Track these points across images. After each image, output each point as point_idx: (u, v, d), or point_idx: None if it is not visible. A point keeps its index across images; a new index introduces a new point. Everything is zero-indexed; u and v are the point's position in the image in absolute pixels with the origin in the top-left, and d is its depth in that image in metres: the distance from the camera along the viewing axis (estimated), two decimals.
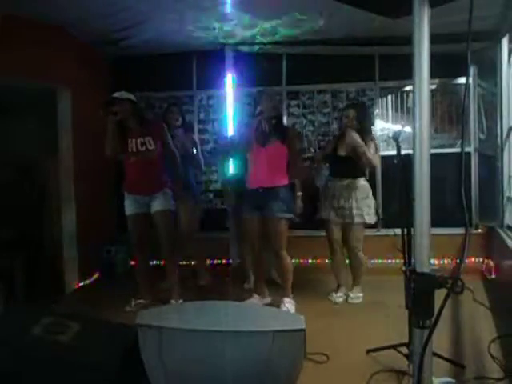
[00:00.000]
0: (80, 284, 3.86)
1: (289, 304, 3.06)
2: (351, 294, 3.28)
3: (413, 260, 1.39)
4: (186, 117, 3.90)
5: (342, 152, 3.25)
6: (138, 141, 3.07)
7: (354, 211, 3.16)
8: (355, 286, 3.32)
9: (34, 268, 3.77)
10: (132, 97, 3.10)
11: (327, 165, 3.39)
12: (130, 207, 3.14)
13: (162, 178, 3.14)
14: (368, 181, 3.29)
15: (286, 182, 3.03)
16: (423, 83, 1.02)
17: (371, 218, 3.21)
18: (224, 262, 4.26)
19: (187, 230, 3.69)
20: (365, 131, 3.20)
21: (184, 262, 4.04)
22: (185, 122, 3.77)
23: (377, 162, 3.21)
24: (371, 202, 3.23)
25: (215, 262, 4.27)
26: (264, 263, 3.25)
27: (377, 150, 3.21)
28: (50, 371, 1.77)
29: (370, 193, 3.25)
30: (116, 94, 3.05)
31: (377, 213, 3.29)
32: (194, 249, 3.78)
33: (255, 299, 3.17)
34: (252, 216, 3.03)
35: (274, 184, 2.96)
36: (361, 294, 3.29)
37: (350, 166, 3.19)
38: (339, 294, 3.37)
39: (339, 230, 3.29)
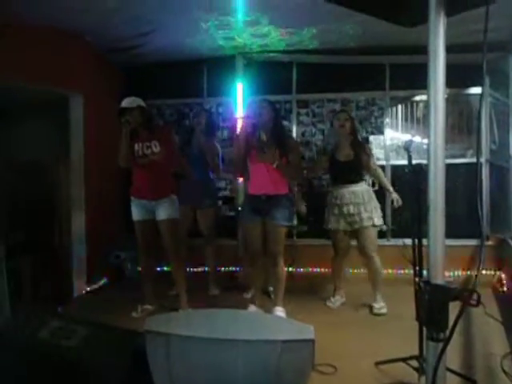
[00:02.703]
0: (88, 288, 3.87)
1: (280, 313, 3.02)
2: (376, 305, 3.22)
3: (425, 271, 1.36)
4: (213, 123, 3.86)
5: (341, 158, 3.29)
6: (145, 145, 3.09)
7: (363, 215, 3.18)
8: (377, 295, 3.26)
9: (42, 271, 3.79)
10: (141, 102, 3.11)
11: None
12: (136, 213, 3.14)
13: (167, 183, 3.13)
14: (369, 185, 3.41)
15: (286, 190, 3.05)
16: (438, 92, 1.01)
17: (380, 220, 3.24)
18: (233, 269, 4.22)
19: (207, 235, 3.68)
20: (356, 136, 3.36)
21: (198, 269, 4.03)
22: (209, 127, 3.71)
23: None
24: (377, 204, 3.27)
25: (223, 269, 4.25)
26: (263, 273, 3.23)
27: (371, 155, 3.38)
28: (56, 376, 1.77)
29: (374, 195, 3.29)
30: (126, 102, 3.06)
31: (384, 222, 3.33)
32: (212, 254, 3.77)
33: (252, 309, 3.10)
34: (254, 222, 3.04)
35: (276, 192, 2.99)
36: (384, 304, 3.22)
37: (351, 171, 3.25)
38: (337, 297, 3.41)
39: (347, 237, 3.31)
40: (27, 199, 3.94)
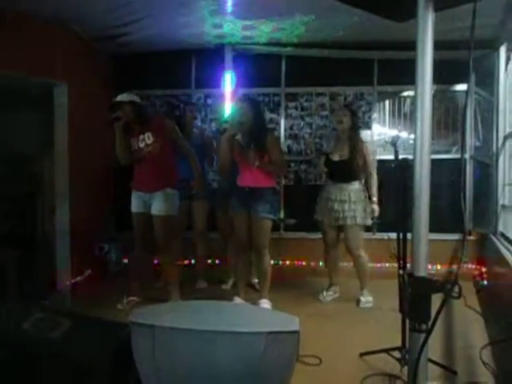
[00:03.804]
0: (72, 281, 3.82)
1: (266, 305, 3.06)
2: (362, 299, 3.28)
3: (408, 264, 1.37)
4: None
5: (335, 157, 3.31)
6: (140, 138, 3.09)
7: (346, 213, 3.21)
8: (363, 290, 3.32)
9: (25, 264, 3.73)
10: (134, 97, 3.10)
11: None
12: (134, 204, 3.15)
13: (164, 175, 3.08)
14: (363, 185, 3.34)
15: (270, 184, 3.09)
16: (425, 87, 1.02)
17: (366, 220, 3.26)
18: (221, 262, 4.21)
19: (201, 229, 3.66)
20: (356, 133, 3.31)
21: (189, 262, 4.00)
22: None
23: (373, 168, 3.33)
24: (366, 205, 3.27)
25: (210, 262, 4.24)
26: (248, 264, 3.25)
27: (370, 154, 3.31)
28: (39, 368, 1.75)
29: (363, 196, 3.28)
30: (118, 98, 3.06)
31: (372, 216, 3.33)
32: (206, 248, 3.76)
33: (237, 301, 3.11)
34: (240, 213, 3.09)
35: (258, 185, 3.03)
36: (370, 298, 3.28)
37: (344, 170, 3.25)
38: (330, 292, 3.42)
39: (334, 231, 3.35)
40: (10, 191, 3.85)
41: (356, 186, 3.28)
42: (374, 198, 3.31)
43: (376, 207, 3.30)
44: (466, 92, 1.41)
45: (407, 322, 1.11)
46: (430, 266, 3.58)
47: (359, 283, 3.34)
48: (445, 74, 3.39)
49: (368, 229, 3.51)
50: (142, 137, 3.08)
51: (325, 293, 3.42)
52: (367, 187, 3.32)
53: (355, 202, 3.23)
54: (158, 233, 3.08)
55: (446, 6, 1.01)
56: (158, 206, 3.06)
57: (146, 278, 3.33)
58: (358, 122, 3.48)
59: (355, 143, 3.25)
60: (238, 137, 3.05)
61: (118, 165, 3.24)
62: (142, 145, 3.08)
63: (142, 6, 3.25)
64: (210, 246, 3.83)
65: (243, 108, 3.04)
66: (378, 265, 4.04)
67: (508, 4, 3.01)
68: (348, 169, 3.23)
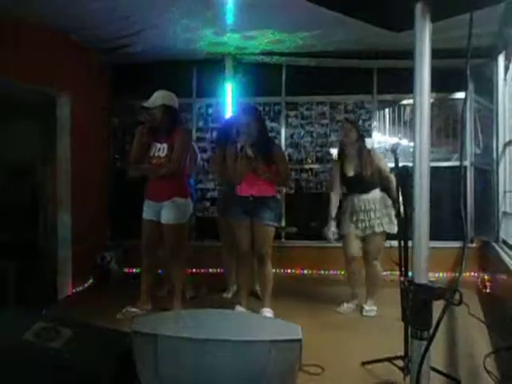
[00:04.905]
0: (73, 290, 3.82)
1: (268, 314, 3.04)
2: (366, 307, 3.24)
3: (410, 271, 1.37)
4: (187, 125, 3.90)
5: (350, 173, 3.26)
6: (157, 147, 3.07)
7: (373, 221, 3.17)
8: (369, 299, 3.28)
9: (26, 273, 3.73)
10: (169, 100, 3.01)
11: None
12: (145, 212, 3.15)
13: (173, 185, 3.07)
14: (383, 191, 3.25)
15: (273, 192, 3.12)
16: (424, 96, 1.03)
17: (392, 228, 3.16)
18: (219, 271, 4.21)
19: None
20: (363, 143, 3.29)
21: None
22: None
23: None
24: (391, 211, 3.18)
25: (210, 271, 4.24)
26: (250, 273, 3.24)
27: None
28: (41, 378, 1.74)
29: (389, 202, 3.20)
30: (151, 98, 2.99)
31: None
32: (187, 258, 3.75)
33: (239, 310, 3.09)
34: (243, 222, 3.09)
35: (263, 194, 3.06)
36: (375, 308, 3.25)
37: (362, 182, 3.21)
38: (350, 304, 3.35)
39: (358, 243, 3.27)
40: (12, 201, 3.87)
41: (377, 193, 3.23)
42: (401, 200, 3.15)
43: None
44: (464, 100, 1.41)
45: (409, 330, 1.11)
46: (432, 274, 3.56)
47: (366, 291, 3.30)
48: (444, 82, 3.42)
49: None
50: (159, 146, 3.05)
51: (345, 305, 3.34)
52: (388, 194, 3.21)
53: (380, 209, 3.18)
54: (167, 241, 3.09)
55: (443, 17, 1.03)
56: (166, 215, 3.06)
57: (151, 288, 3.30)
58: (362, 132, 3.46)
59: (364, 154, 3.22)
60: (248, 151, 3.02)
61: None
62: (156, 154, 3.05)
63: (142, 18, 3.30)
64: (203, 255, 3.80)
65: (248, 120, 3.05)
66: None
67: (505, 13, 3.05)
68: (364, 181, 3.20)
